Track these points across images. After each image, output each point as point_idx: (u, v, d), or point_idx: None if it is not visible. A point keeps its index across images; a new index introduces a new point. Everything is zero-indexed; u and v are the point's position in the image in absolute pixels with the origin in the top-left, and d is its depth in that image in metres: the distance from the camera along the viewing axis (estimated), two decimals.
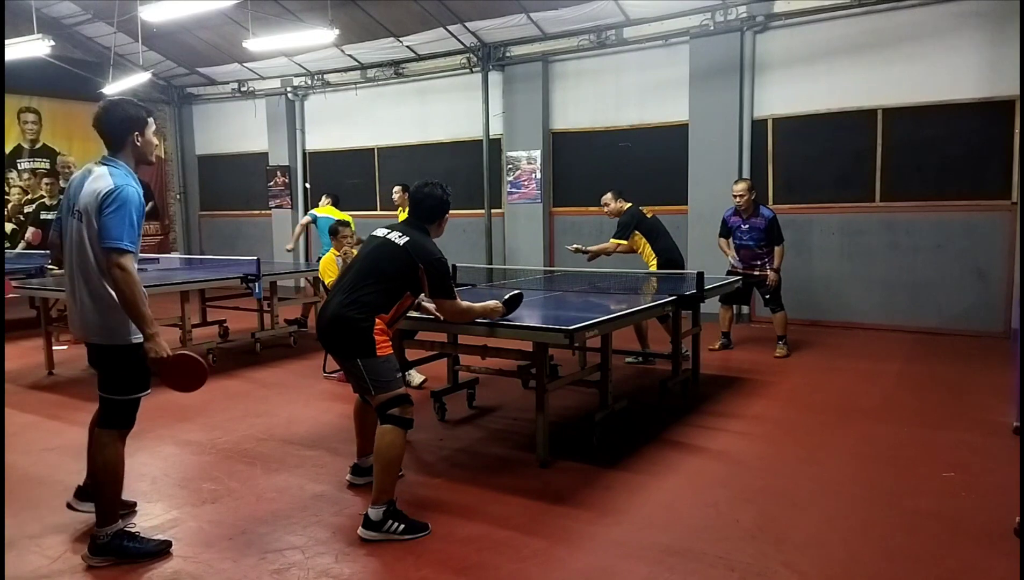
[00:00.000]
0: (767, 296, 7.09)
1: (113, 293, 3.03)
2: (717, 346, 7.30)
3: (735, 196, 7.01)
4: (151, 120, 3.22)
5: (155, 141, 3.28)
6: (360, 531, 3.33)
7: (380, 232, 3.67)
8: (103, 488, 3.16)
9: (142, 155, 3.21)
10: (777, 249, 7.00)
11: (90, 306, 3.11)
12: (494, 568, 3.09)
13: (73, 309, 3.21)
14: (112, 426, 3.19)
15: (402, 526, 3.33)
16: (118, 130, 3.13)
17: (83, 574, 3.09)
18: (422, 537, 3.33)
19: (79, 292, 3.13)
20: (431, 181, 3.74)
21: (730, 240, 7.21)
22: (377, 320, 3.41)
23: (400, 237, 3.56)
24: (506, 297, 4.04)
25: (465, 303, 3.80)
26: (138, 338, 3.12)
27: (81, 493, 3.56)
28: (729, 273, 7.09)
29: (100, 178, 3.03)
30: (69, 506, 3.56)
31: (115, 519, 3.18)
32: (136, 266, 3.05)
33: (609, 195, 6.91)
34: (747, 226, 7.03)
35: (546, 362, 4.30)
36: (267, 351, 7.62)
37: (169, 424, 5.14)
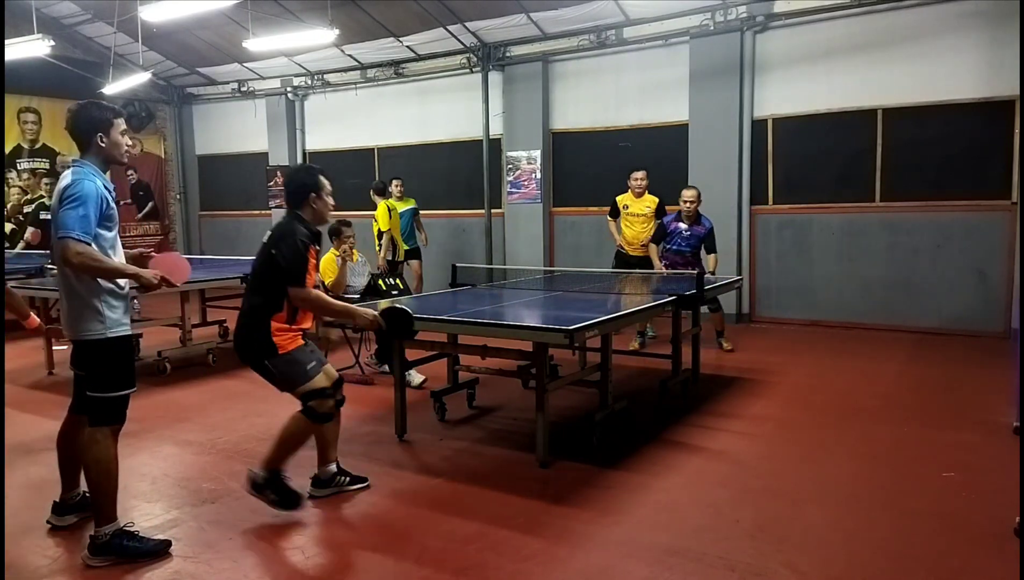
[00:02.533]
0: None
1: (82, 289, 3.09)
2: (636, 344, 7.32)
3: (687, 202, 7.11)
4: (118, 121, 3.25)
5: (124, 142, 3.28)
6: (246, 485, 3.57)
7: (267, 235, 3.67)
8: (97, 486, 3.16)
9: (110, 156, 3.24)
10: (712, 257, 7.18)
11: (66, 303, 3.17)
12: (494, 568, 3.09)
13: (61, 308, 3.29)
14: (102, 423, 3.18)
15: (277, 498, 3.54)
16: (83, 132, 3.19)
17: (83, 574, 3.09)
18: (295, 509, 3.56)
19: (61, 290, 3.21)
20: (301, 165, 3.71)
21: (660, 246, 7.35)
22: (272, 322, 3.47)
23: (267, 233, 3.61)
24: (387, 308, 3.73)
25: (318, 293, 3.58)
26: (114, 332, 3.15)
27: (58, 508, 3.53)
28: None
29: (64, 179, 3.12)
30: (49, 523, 3.51)
31: (113, 518, 3.18)
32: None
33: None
34: (688, 233, 7.17)
35: (546, 362, 4.30)
36: None
37: (169, 424, 5.14)
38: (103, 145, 3.20)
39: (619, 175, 8.98)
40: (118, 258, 3.21)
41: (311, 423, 3.60)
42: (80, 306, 3.12)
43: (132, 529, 3.25)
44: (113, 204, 3.18)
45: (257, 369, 3.58)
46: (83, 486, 3.45)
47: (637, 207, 7.61)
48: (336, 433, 3.91)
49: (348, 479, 3.92)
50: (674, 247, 7.20)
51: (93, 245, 3.02)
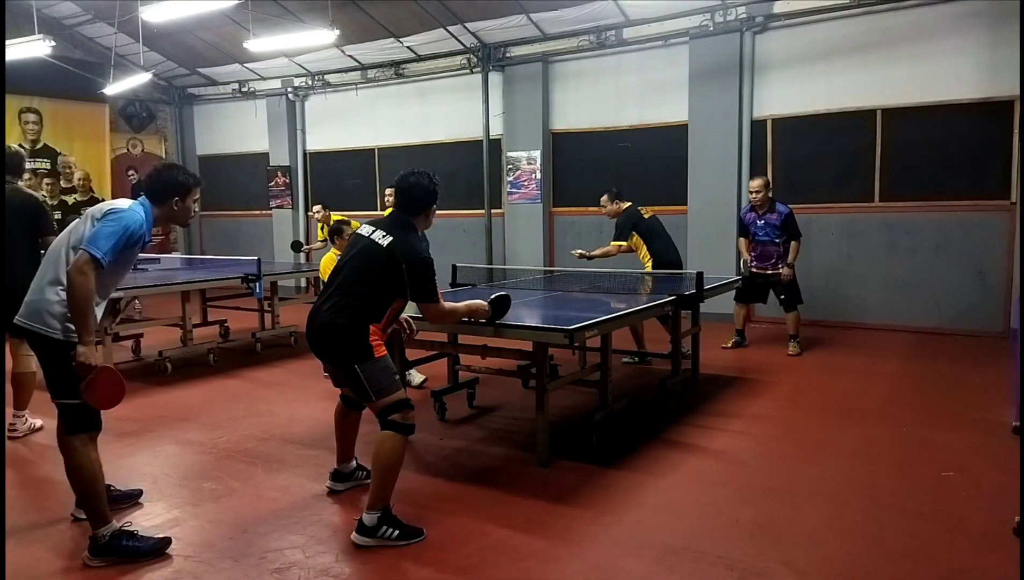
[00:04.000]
0: (782, 295, 7.17)
1: (63, 287, 3.07)
2: (730, 344, 7.37)
3: (751, 192, 7.13)
4: (195, 190, 3.37)
5: (194, 209, 3.42)
6: (354, 536, 3.28)
7: (365, 230, 3.57)
8: (84, 492, 3.19)
9: (175, 218, 3.37)
10: (793, 244, 7.08)
11: (51, 294, 3.11)
12: (494, 568, 3.09)
13: (29, 294, 3.19)
14: (78, 431, 3.17)
15: (396, 532, 3.28)
16: (162, 192, 3.27)
17: (83, 574, 3.10)
18: (417, 543, 3.28)
19: (43, 277, 3.15)
20: (417, 170, 3.61)
21: (749, 239, 7.30)
22: (371, 327, 3.35)
23: (384, 237, 3.43)
24: (492, 297, 3.92)
25: (448, 305, 3.67)
26: (74, 337, 3.10)
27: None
28: (744, 275, 7.19)
29: (120, 201, 3.24)
30: (73, 516, 3.55)
31: (107, 519, 3.19)
32: (107, 289, 3.18)
33: (605, 197, 6.92)
34: (763, 222, 7.15)
35: (546, 362, 4.31)
36: (268, 351, 7.62)
37: (169, 424, 5.15)
38: (176, 209, 3.30)
39: (619, 176, 9.00)
40: (112, 284, 3.24)
41: (403, 437, 3.36)
42: (52, 300, 3.08)
43: (131, 528, 3.26)
44: (139, 250, 3.23)
45: (343, 370, 3.42)
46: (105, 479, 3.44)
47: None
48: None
49: (366, 474, 3.92)
50: (758, 237, 7.22)
51: (104, 270, 3.03)
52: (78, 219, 3.25)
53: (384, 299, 3.42)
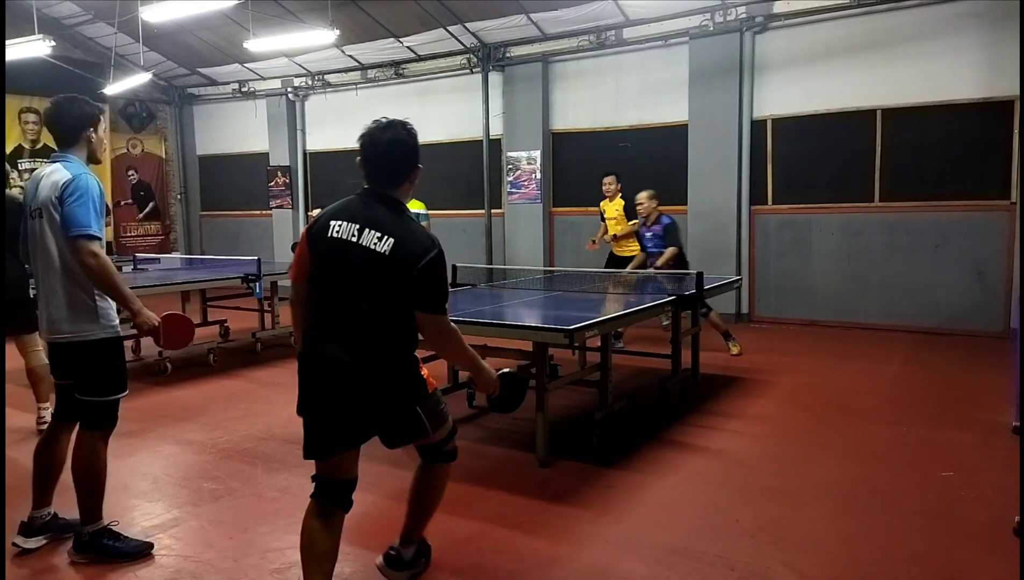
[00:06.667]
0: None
1: (80, 286, 3.03)
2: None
3: (636, 204, 7.23)
4: (103, 117, 3.24)
5: (105, 139, 3.26)
6: (389, 574, 2.96)
7: (343, 231, 2.50)
8: (84, 488, 3.16)
9: (93, 152, 3.20)
10: (669, 250, 7.11)
11: (63, 300, 3.05)
12: (494, 568, 3.10)
13: (42, 309, 3.14)
14: (95, 427, 3.16)
15: (424, 560, 3.08)
16: (72, 127, 3.12)
17: (83, 574, 3.10)
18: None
19: (47, 290, 3.09)
20: (387, 121, 2.60)
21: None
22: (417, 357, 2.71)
23: (380, 241, 2.46)
24: (505, 372, 2.88)
25: (459, 335, 2.65)
26: (109, 332, 3.10)
27: (26, 528, 3.28)
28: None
29: (55, 172, 3.04)
30: (15, 545, 3.22)
31: (98, 518, 3.18)
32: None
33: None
34: (650, 233, 7.30)
35: (546, 362, 4.31)
36: (268, 351, 7.62)
37: (170, 424, 5.15)
38: (92, 141, 3.16)
39: (619, 176, 8.99)
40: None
41: (450, 466, 2.94)
42: (78, 304, 3.04)
43: (116, 529, 3.25)
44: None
45: (402, 418, 2.68)
46: (53, 507, 3.33)
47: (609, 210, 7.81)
48: None
49: None
50: (648, 249, 7.35)
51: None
52: (32, 220, 3.09)
53: (412, 320, 2.58)
